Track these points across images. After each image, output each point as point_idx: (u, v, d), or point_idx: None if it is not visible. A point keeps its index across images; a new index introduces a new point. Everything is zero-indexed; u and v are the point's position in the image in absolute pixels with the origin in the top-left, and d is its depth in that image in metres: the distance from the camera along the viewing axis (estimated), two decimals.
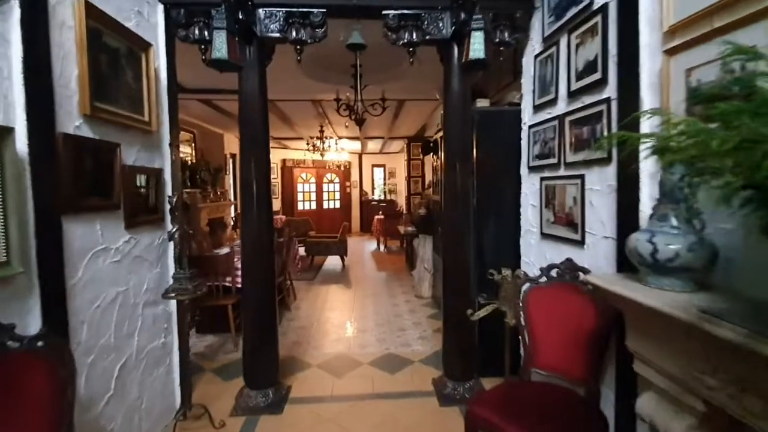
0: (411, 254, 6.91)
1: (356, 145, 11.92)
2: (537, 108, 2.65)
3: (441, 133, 4.66)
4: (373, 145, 12.12)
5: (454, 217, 2.90)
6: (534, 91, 2.69)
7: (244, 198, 2.79)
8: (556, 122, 2.41)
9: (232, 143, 9.24)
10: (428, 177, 9.99)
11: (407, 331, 4.19)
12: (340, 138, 9.39)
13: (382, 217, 9.86)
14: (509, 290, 2.39)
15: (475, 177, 3.01)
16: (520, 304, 2.20)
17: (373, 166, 14.21)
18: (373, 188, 14.28)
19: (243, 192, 2.79)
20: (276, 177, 11.94)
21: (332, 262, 8.13)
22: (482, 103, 3.27)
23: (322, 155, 7.76)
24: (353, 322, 4.55)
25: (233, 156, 9.46)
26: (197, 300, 3.89)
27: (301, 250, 7.80)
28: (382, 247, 10.05)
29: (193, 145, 8.00)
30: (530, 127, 2.75)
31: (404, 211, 10.29)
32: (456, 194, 2.87)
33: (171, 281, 2.47)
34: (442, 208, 3.08)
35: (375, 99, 4.27)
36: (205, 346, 3.91)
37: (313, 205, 12.86)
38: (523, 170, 2.89)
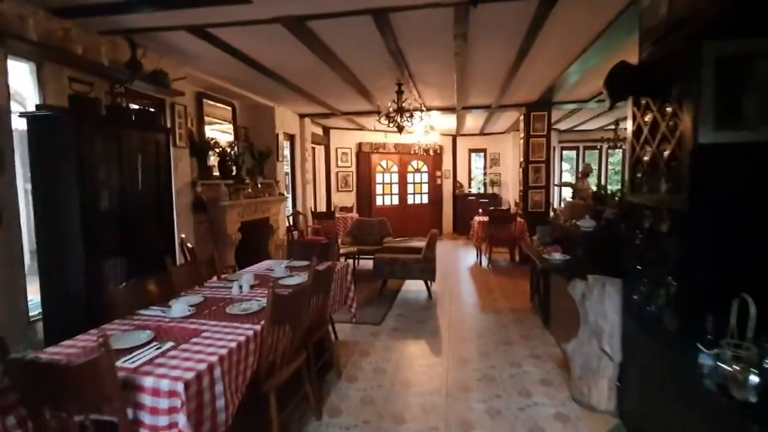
0: (546, 297, 4.00)
1: (449, 123, 9.14)
2: None
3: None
4: (472, 122, 9.21)
5: None
6: None
7: None
8: None
9: (287, 120, 7.14)
10: (540, 156, 6.77)
11: None
12: (428, 109, 6.69)
13: (485, 219, 6.99)
14: None
15: None
16: None
17: (471, 151, 11.28)
18: (470, 179, 11.36)
19: None
20: (350, 165, 9.74)
21: (413, 287, 5.56)
22: None
23: (400, 130, 5.23)
24: None
25: (290, 137, 7.38)
26: None
27: (369, 264, 5.38)
28: (484, 261, 7.20)
29: (232, 121, 6.02)
30: None
31: (518, 211, 7.27)
32: None
33: None
34: None
35: None
36: None
37: (395, 200, 10.43)
38: None
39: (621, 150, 10.63)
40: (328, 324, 3.02)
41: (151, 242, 3.42)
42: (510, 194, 10.79)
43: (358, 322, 4.12)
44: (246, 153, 5.81)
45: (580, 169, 6.54)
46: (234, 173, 5.50)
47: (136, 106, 3.77)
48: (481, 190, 11.11)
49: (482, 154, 11.33)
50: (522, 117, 7.11)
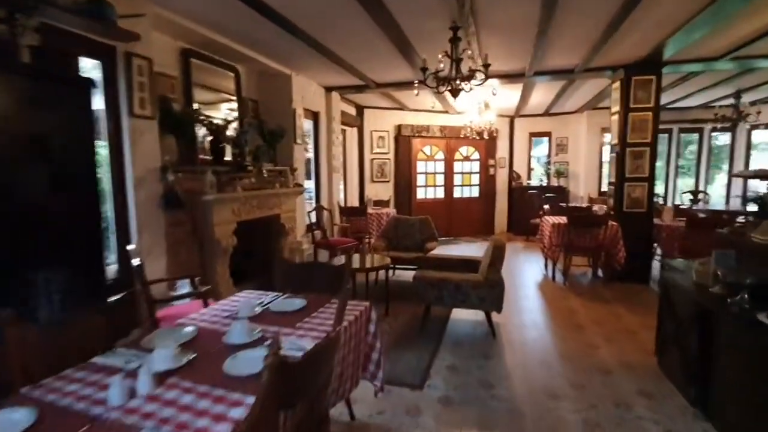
0: (705, 361, 2.31)
1: (510, 99, 7.40)
2: None
3: None
4: (539, 97, 7.41)
5: None
6: None
7: None
8: None
9: (310, 93, 5.77)
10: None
11: None
12: (487, 74, 4.92)
13: (561, 221, 5.27)
14: None
15: None
16: None
17: (532, 135, 9.44)
18: (529, 169, 9.54)
19: None
20: (387, 151, 8.27)
21: (466, 314, 4.04)
22: None
23: (454, 94, 3.66)
24: None
25: (313, 115, 6.02)
26: None
27: (407, 275, 3.90)
28: (557, 275, 5.52)
29: (236, 92, 4.72)
30: None
31: (609, 212, 5.48)
32: None
33: None
34: None
35: None
36: None
37: (439, 193, 8.85)
38: None
39: (730, 132, 8.40)
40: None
41: (69, 255, 2.13)
42: (581, 187, 8.88)
43: (390, 382, 2.68)
44: (251, 131, 4.49)
45: None
46: (235, 157, 4.21)
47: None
48: (544, 182, 9.27)
49: (546, 139, 9.44)
50: (617, 84, 5.28)
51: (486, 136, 7.78)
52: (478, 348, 3.39)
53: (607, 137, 8.59)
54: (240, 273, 4.01)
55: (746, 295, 1.85)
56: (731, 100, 6.74)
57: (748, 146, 8.34)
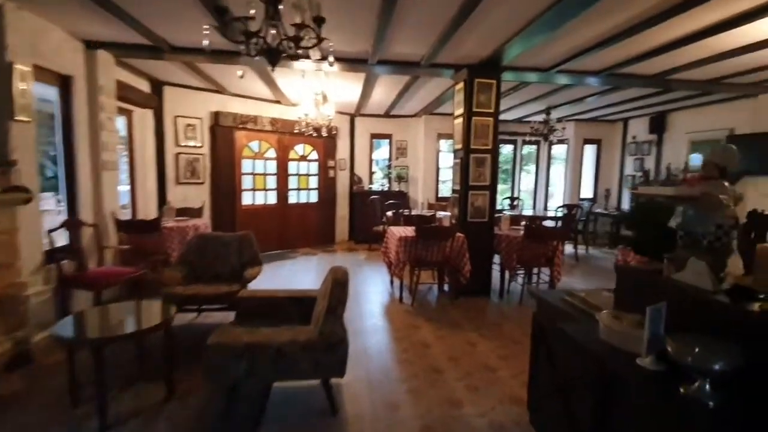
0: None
1: (350, 94, 6.58)
2: None
3: None
4: (382, 94, 6.77)
5: None
6: None
7: None
8: None
9: (51, 44, 3.67)
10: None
11: None
12: (320, 37, 3.79)
13: (412, 236, 4.60)
14: None
15: None
16: None
17: (373, 136, 8.90)
18: (371, 172, 8.98)
19: None
20: (200, 144, 6.43)
21: (295, 384, 2.86)
22: None
23: (271, 60, 2.46)
24: None
25: (63, 79, 3.93)
26: None
27: (219, 317, 2.47)
28: (404, 293, 4.87)
29: None
30: None
31: (454, 222, 5.07)
32: None
33: None
34: None
35: None
36: None
37: (271, 198, 7.43)
38: None
39: (536, 145, 9.52)
40: None
41: None
42: (420, 193, 8.75)
43: None
44: None
45: (704, 158, 1.77)
46: None
47: None
48: (385, 187, 8.84)
49: (386, 141, 9.04)
50: (460, 86, 4.90)
51: (325, 134, 6.77)
52: None
53: (443, 144, 8.72)
54: None
55: (708, 386, 1.21)
56: (543, 116, 7.41)
57: (549, 157, 9.57)
